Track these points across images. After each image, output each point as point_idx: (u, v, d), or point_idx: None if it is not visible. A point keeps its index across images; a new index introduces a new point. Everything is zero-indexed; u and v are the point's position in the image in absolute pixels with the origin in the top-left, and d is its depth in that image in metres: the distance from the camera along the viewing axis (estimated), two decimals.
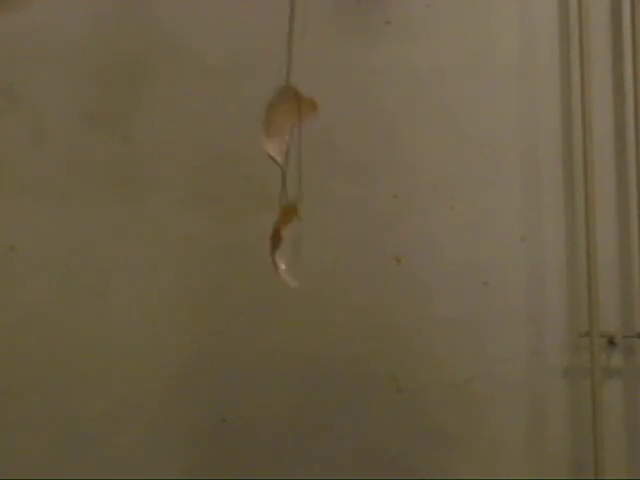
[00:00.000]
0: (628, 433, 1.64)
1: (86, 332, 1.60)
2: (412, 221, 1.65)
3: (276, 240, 1.19)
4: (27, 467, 1.57)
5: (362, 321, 1.62)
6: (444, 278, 1.64)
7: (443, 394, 1.63)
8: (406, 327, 1.63)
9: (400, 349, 1.63)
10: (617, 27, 1.69)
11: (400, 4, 1.67)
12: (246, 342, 1.61)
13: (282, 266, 1.19)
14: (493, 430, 1.63)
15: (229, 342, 1.61)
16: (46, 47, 1.63)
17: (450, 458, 1.62)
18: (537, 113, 1.67)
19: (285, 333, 1.61)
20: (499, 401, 1.63)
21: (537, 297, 1.65)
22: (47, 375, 1.59)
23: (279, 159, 1.17)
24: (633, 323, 1.65)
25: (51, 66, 1.63)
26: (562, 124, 1.68)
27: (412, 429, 1.62)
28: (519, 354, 1.64)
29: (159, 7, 1.65)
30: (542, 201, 1.67)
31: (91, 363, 1.60)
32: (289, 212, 1.19)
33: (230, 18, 1.65)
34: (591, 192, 1.61)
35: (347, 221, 1.63)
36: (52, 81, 1.63)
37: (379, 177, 1.65)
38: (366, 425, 1.61)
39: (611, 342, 1.64)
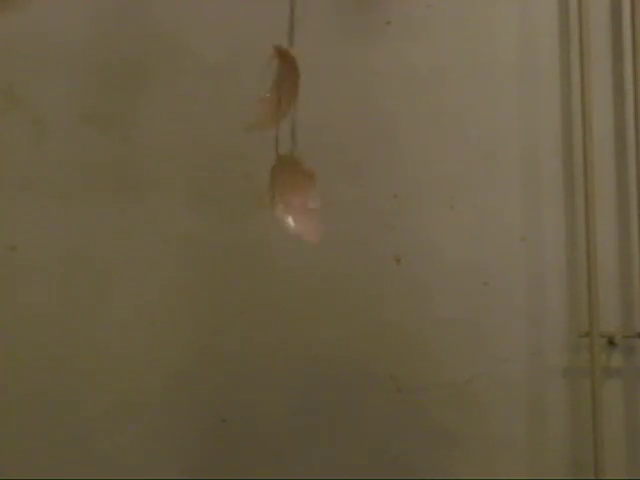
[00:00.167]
0: (628, 433, 1.64)
1: (86, 332, 1.60)
2: (412, 221, 1.65)
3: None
4: (27, 467, 1.57)
5: (362, 321, 1.62)
6: (444, 278, 1.64)
7: (443, 394, 1.63)
8: (406, 327, 1.63)
9: (400, 349, 1.63)
10: (617, 27, 1.69)
11: (400, 4, 1.67)
12: (246, 342, 1.61)
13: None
14: (493, 430, 1.63)
15: (229, 342, 1.61)
16: (46, 47, 1.63)
17: (450, 458, 1.62)
18: (537, 113, 1.67)
19: (285, 333, 1.61)
20: (499, 401, 1.63)
21: (537, 297, 1.65)
22: (47, 375, 1.59)
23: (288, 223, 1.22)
24: (633, 323, 1.65)
25: (51, 66, 1.63)
26: (562, 124, 1.67)
27: (412, 429, 1.62)
28: (519, 354, 1.64)
29: (159, 7, 1.64)
30: (542, 201, 1.66)
31: (91, 363, 1.60)
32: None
33: (230, 18, 1.65)
34: (591, 192, 1.61)
35: (347, 221, 1.63)
36: (52, 81, 1.63)
37: (379, 177, 1.65)
38: (366, 425, 1.61)
39: (611, 342, 1.63)
